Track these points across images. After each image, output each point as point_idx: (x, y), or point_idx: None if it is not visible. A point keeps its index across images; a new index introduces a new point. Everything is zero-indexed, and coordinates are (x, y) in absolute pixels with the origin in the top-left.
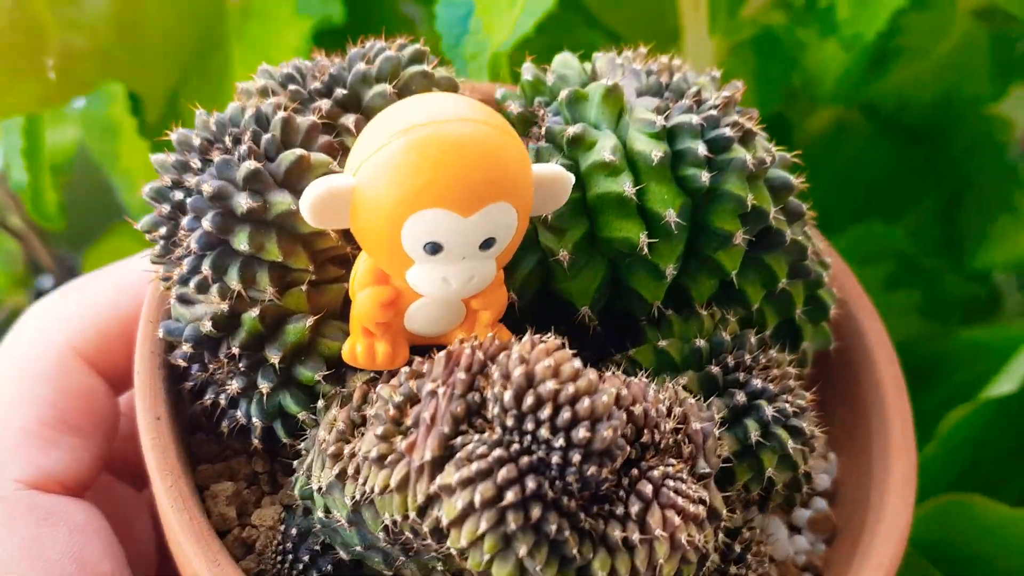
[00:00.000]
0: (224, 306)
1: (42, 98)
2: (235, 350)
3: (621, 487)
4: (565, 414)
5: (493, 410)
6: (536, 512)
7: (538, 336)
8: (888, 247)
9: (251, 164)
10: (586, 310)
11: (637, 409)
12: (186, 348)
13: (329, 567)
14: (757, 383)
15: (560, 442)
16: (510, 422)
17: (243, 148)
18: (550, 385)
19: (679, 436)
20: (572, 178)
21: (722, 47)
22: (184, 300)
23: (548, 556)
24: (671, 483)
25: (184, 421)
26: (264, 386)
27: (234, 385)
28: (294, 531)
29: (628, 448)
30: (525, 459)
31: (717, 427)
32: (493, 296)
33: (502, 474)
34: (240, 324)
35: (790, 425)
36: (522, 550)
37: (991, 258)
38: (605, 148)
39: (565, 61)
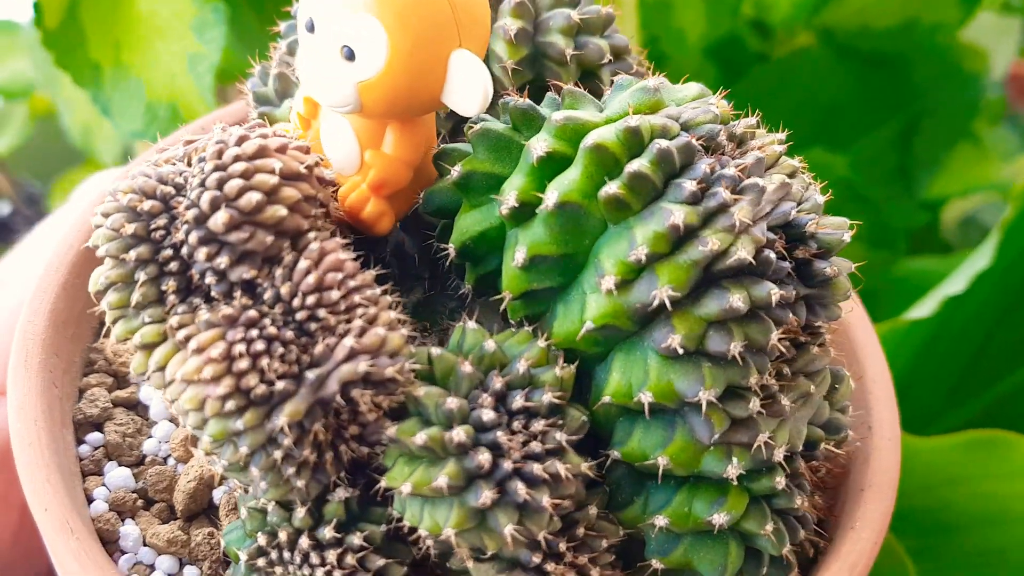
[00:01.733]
0: None
1: None
2: None
3: (220, 295)
4: (216, 174)
5: None
6: (129, 227)
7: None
8: (830, 174)
9: None
10: (452, 249)
11: (303, 263)
12: None
13: None
14: (489, 414)
15: (191, 198)
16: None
17: None
18: (233, 151)
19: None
20: (485, 89)
21: None
22: None
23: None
24: (235, 314)
25: None
26: None
27: None
28: None
29: (251, 269)
30: (164, 190)
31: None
32: (383, 159)
33: (134, 193)
34: None
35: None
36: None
37: (945, 187)
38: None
39: (707, 98)
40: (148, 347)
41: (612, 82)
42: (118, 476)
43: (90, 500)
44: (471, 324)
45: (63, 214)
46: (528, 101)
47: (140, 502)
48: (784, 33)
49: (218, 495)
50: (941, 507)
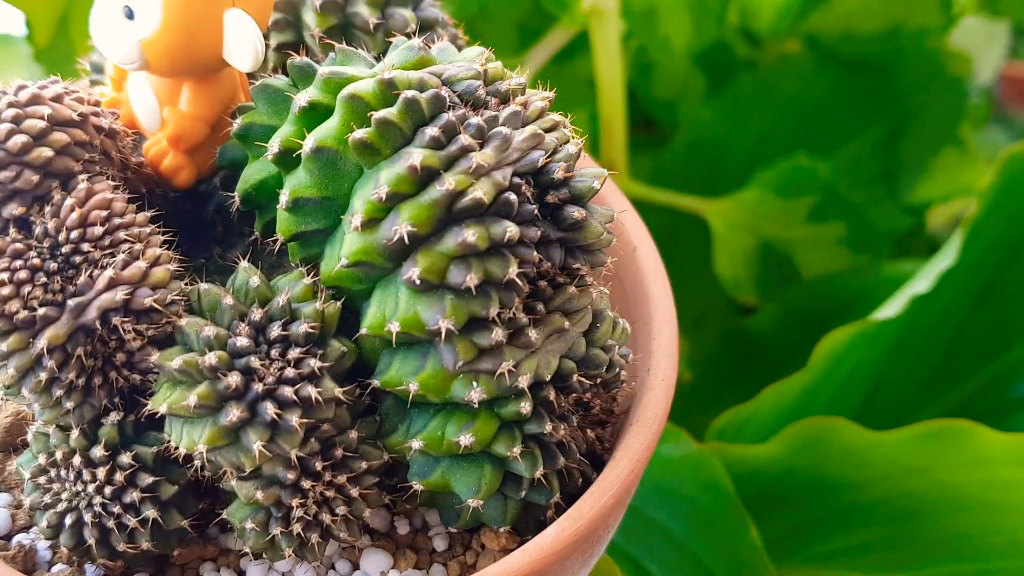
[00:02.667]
0: None
1: None
2: None
3: None
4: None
5: None
6: None
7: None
8: (813, 180)
9: None
10: (236, 198)
11: (69, 201)
12: None
13: None
14: (243, 341)
15: None
16: None
17: None
18: (7, 99)
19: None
20: (255, 46)
21: None
22: None
23: None
24: None
25: None
26: None
27: None
28: None
29: (20, 206)
30: None
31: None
32: (178, 116)
33: None
34: None
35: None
36: None
37: (930, 191)
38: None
39: (475, 57)
40: None
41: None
42: None
43: None
44: (244, 264)
45: None
46: (305, 59)
47: None
48: (772, 41)
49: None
50: (902, 496)
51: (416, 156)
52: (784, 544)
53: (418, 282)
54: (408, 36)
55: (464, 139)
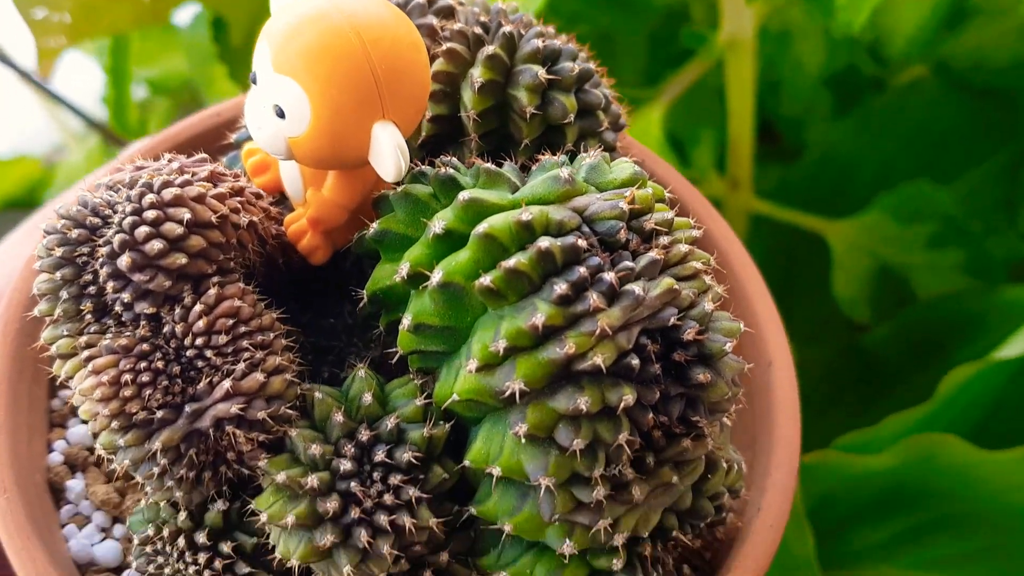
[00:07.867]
0: None
1: (136, 19)
2: None
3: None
4: (131, 218)
5: None
6: (58, 250)
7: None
8: (934, 207)
9: None
10: (364, 295)
11: (197, 307)
12: None
13: None
14: (347, 465)
15: (108, 236)
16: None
17: None
18: (150, 198)
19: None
20: (397, 162)
21: (762, 11)
22: None
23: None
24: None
25: None
26: None
27: None
28: None
29: (151, 306)
30: (92, 220)
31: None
32: (320, 200)
33: (67, 220)
34: None
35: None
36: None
37: None
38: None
39: (623, 190)
40: (63, 357)
41: (579, 145)
42: (78, 432)
43: (52, 450)
44: (361, 373)
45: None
46: (450, 172)
47: (92, 459)
48: (899, 63)
49: None
50: (1008, 510)
51: (539, 315)
52: (891, 548)
53: (524, 439)
54: (566, 126)
55: (593, 299)
